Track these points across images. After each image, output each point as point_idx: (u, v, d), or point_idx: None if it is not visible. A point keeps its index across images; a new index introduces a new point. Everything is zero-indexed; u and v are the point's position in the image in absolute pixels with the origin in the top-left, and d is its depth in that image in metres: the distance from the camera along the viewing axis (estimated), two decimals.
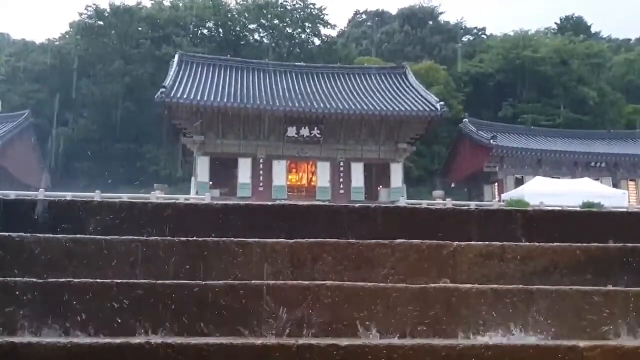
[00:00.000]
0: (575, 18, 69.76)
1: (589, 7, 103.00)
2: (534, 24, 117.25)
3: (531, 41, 58.92)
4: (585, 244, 4.41)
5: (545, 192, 28.38)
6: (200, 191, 31.52)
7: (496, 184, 40.83)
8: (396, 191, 34.37)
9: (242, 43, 57.64)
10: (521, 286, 3.99)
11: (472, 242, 4.40)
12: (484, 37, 69.72)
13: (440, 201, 30.58)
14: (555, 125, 49.28)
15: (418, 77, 41.05)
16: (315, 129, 34.01)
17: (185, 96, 32.02)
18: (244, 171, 33.94)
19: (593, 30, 69.02)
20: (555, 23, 70.62)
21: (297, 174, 37.21)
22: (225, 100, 32.90)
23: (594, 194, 27.54)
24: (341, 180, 34.66)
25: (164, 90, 31.38)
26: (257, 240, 4.26)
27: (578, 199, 25.72)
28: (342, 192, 34.22)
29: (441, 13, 67.14)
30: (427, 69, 50.63)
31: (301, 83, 37.60)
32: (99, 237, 4.13)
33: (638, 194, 40.42)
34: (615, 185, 38.14)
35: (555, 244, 4.41)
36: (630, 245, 4.41)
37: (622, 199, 30.39)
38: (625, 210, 21.87)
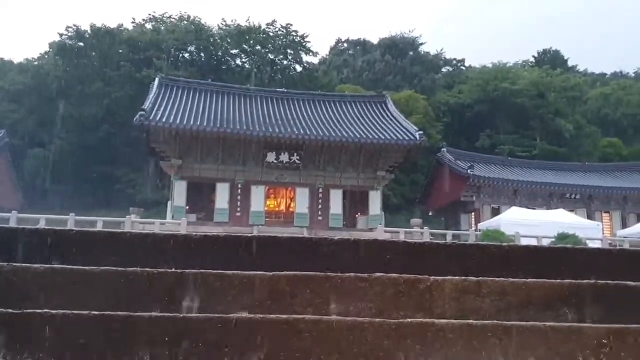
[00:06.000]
0: (553, 51, 71.50)
1: (566, 41, 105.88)
2: (512, 56, 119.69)
3: (509, 73, 60.16)
4: (559, 280, 4.48)
5: (521, 222, 28.74)
6: (176, 215, 31.32)
7: (473, 213, 41.22)
8: (374, 218, 34.49)
9: (224, 67, 57.93)
10: (496, 321, 4.03)
11: (449, 277, 4.45)
12: (463, 68, 71.05)
13: (417, 229, 30.77)
14: (532, 156, 50.13)
15: (398, 106, 41.58)
16: (295, 154, 34.12)
17: (164, 119, 31.96)
18: (222, 196, 33.80)
19: (569, 63, 70.84)
20: (533, 56, 72.36)
21: (275, 200, 37.18)
22: (205, 124, 32.91)
23: (569, 224, 28.00)
24: (319, 206, 34.69)
25: (142, 113, 31.29)
26: (235, 272, 4.26)
27: (553, 230, 26.14)
28: (320, 218, 34.24)
29: (421, 43, 68.43)
30: (407, 98, 51.32)
31: (281, 109, 37.83)
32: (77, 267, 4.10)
33: (612, 225, 41.05)
34: (590, 217, 38.72)
35: (529, 280, 4.48)
36: (602, 281, 4.49)
37: (596, 231, 30.85)
38: (599, 246, 22.22)
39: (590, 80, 69.41)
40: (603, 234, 33.12)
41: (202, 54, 58.45)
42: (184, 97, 36.23)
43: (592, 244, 23.35)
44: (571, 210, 36.65)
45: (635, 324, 4.07)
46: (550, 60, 68.11)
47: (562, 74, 61.11)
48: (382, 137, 34.45)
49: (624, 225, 40.45)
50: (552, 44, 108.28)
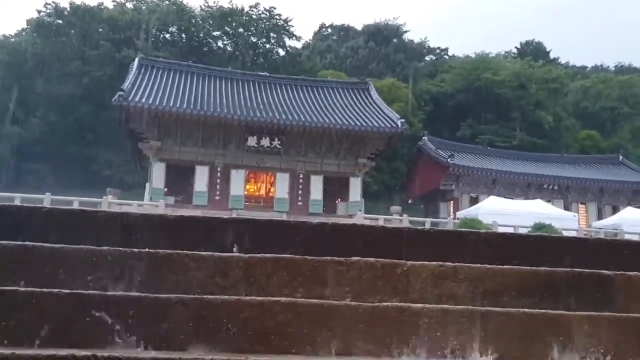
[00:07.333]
0: (535, 43, 71.77)
1: (549, 33, 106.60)
2: (495, 46, 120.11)
3: (491, 64, 60.30)
4: (534, 267, 4.50)
5: (499, 211, 29.02)
6: (154, 197, 31.08)
7: (452, 202, 41.51)
8: (354, 205, 34.55)
9: (205, 49, 57.29)
10: (471, 307, 4.05)
11: (425, 262, 4.45)
12: (446, 57, 71.07)
13: (396, 216, 30.92)
14: (511, 146, 50.48)
15: (380, 94, 41.55)
16: (276, 139, 33.99)
17: (143, 100, 31.59)
18: (201, 179, 33.60)
19: (551, 55, 71.16)
20: (516, 47, 72.55)
21: (255, 184, 37.04)
22: (185, 106, 32.59)
23: (546, 215, 28.34)
24: (300, 192, 34.66)
25: (121, 93, 30.91)
26: (211, 253, 4.21)
27: (530, 220, 26.44)
28: (300, 203, 34.23)
29: (405, 31, 68.23)
30: (390, 85, 51.26)
31: (263, 93, 37.59)
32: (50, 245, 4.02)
33: (587, 216, 41.60)
34: (566, 208, 39.19)
35: (505, 266, 4.50)
36: (577, 269, 4.53)
37: (572, 221, 31.27)
38: (575, 235, 22.50)
39: (571, 73, 69.90)
40: (579, 224, 33.59)
41: (183, 35, 57.73)
42: (164, 79, 35.82)
43: (567, 235, 23.63)
44: (548, 201, 37.05)
45: (608, 312, 4.12)
46: (533, 51, 68.38)
47: (544, 65, 61.42)
48: (364, 124, 34.43)
49: (600, 216, 41.03)
50: (535, 36, 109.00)
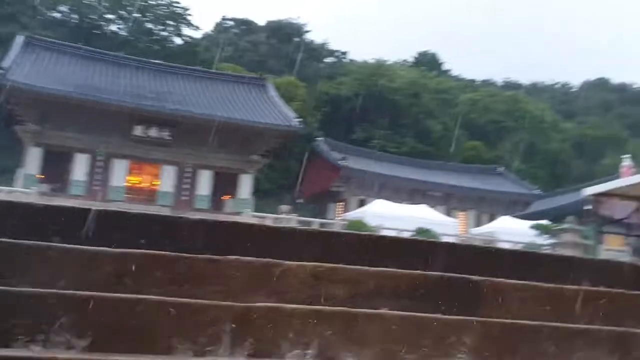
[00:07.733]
0: (430, 54, 74.77)
1: (444, 45, 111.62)
2: (394, 54, 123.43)
3: (388, 70, 62.05)
4: (408, 271, 4.59)
5: (385, 214, 29.91)
6: (27, 184, 29.21)
7: (341, 203, 42.27)
8: (242, 202, 34.32)
9: (97, 32, 54.63)
10: (343, 308, 4.06)
11: (304, 262, 4.41)
12: (345, 60, 72.17)
13: (285, 216, 31.01)
14: (401, 152, 52.13)
15: (278, 91, 41.55)
16: (166, 130, 33.07)
17: (23, 80, 29.66)
18: (80, 167, 32.08)
19: (444, 67, 74.37)
20: (414, 57, 75.03)
21: (139, 176, 35.80)
22: (69, 89, 30.91)
23: (428, 220, 29.56)
24: (186, 186, 33.92)
25: (1, 71, 28.85)
26: (78, 246, 3.93)
27: (413, 224, 27.45)
28: (184, 198, 33.53)
29: (307, 31, 68.72)
30: (288, 84, 51.31)
31: (156, 81, 36.45)
32: None
33: (467, 223, 43.83)
34: (448, 214, 41.03)
35: (382, 269, 4.55)
36: (449, 274, 4.67)
37: (453, 227, 32.82)
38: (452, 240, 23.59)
39: (461, 85, 73.28)
40: (458, 231, 35.31)
41: (74, 16, 54.76)
42: (50, 59, 33.87)
43: (445, 240, 24.74)
44: (432, 207, 38.60)
45: (475, 316, 4.28)
46: (428, 62, 71.12)
47: (437, 76, 64.05)
48: (259, 121, 34.30)
49: (478, 224, 43.32)
50: (431, 46, 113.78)
